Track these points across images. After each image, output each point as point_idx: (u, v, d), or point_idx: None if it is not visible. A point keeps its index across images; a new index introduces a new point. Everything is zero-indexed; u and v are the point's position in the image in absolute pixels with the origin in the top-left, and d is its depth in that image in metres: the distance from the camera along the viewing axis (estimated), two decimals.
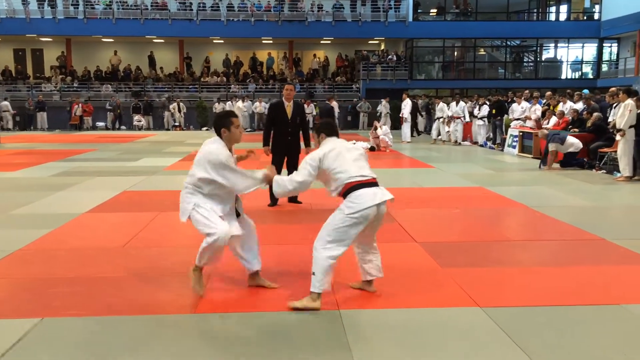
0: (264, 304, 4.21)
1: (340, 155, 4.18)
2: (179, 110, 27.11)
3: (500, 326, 3.74)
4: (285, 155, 7.72)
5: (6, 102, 26.15)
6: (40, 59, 31.62)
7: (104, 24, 28.94)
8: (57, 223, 6.72)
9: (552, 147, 12.14)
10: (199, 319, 3.91)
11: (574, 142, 11.98)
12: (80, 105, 26.86)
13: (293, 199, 7.89)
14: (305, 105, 26.83)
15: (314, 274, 3.99)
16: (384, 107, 23.52)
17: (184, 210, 4.41)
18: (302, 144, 7.97)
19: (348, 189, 4.08)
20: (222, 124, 4.31)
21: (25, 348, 3.45)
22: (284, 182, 4.21)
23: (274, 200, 7.69)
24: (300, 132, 7.90)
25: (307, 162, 4.16)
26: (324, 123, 4.56)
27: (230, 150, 4.30)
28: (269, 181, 4.24)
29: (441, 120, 19.40)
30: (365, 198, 4.05)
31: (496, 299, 4.26)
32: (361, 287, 4.45)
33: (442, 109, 19.38)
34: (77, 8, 28.81)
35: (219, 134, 4.33)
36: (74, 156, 14.69)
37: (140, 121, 27.07)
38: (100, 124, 27.50)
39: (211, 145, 4.26)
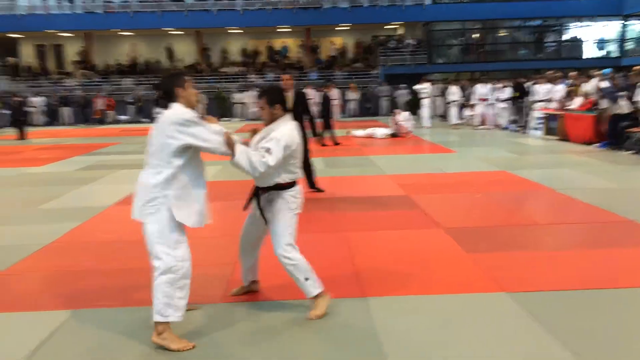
0: (291, 292, 4.25)
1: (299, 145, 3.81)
2: (199, 102, 27.28)
3: (528, 311, 3.73)
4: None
5: (36, 99, 26.54)
6: (61, 54, 32.02)
7: (122, 17, 29.14)
8: (85, 216, 6.85)
9: (604, 104, 11.86)
10: (227, 309, 3.97)
11: (624, 105, 11.66)
12: (102, 99, 27.16)
13: (315, 187, 7.91)
14: (327, 91, 26.76)
15: (307, 279, 3.71)
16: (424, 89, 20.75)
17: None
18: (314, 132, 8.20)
19: (293, 183, 3.79)
20: (176, 83, 3.55)
21: (59, 339, 3.55)
22: (248, 155, 3.55)
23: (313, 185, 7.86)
24: (307, 121, 7.81)
25: (281, 147, 3.60)
26: (276, 90, 3.90)
27: None
28: (230, 144, 3.48)
29: (455, 103, 19.21)
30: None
31: (523, 284, 4.25)
32: (248, 289, 4.20)
33: (455, 93, 19.22)
34: (95, 2, 29.06)
35: (171, 98, 3.53)
36: (98, 150, 14.90)
37: (160, 113, 27.26)
38: (123, 117, 27.79)
39: (168, 111, 3.48)
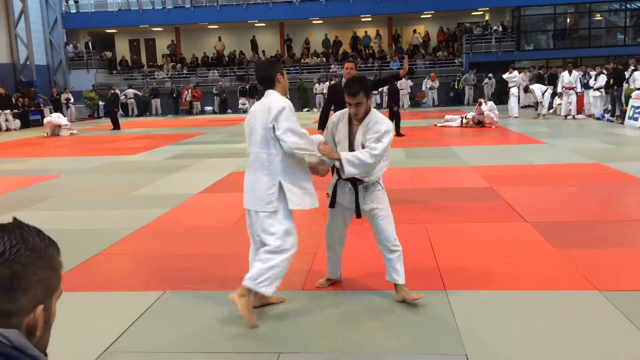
0: (370, 282, 4.24)
1: None
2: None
3: (622, 311, 3.52)
4: None
5: (132, 90, 28.06)
6: (153, 48, 33.58)
7: (209, 11, 30.12)
8: (173, 203, 7.17)
9: None
10: (308, 296, 4.02)
11: None
12: (189, 90, 28.25)
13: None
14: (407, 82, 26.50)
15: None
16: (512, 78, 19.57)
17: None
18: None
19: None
20: (277, 69, 3.62)
21: (150, 318, 3.74)
22: (354, 155, 3.56)
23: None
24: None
25: (390, 137, 3.63)
26: (367, 81, 3.78)
27: None
28: (330, 154, 3.61)
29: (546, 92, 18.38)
30: None
31: (616, 282, 4.01)
32: (333, 281, 4.19)
33: (536, 93, 18.38)
34: None
35: (271, 84, 3.60)
36: (185, 140, 15.53)
37: (244, 104, 28.00)
38: (209, 108, 28.78)
39: (270, 100, 3.55)
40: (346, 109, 3.78)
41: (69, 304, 4.02)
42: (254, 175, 3.58)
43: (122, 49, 33.40)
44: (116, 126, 19.95)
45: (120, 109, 24.58)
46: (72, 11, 30.52)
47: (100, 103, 27.42)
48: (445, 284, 4.09)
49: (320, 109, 7.13)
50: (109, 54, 32.46)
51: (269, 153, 3.51)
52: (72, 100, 25.36)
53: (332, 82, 7.62)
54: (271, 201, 3.51)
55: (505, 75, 19.27)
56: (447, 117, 16.73)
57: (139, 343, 3.39)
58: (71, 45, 30.48)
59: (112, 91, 21.01)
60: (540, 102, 18.42)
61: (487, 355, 3.08)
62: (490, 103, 16.27)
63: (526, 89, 20.91)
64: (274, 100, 3.51)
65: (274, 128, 3.45)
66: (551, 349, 3.12)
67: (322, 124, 6.76)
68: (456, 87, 26.74)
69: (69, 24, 30.10)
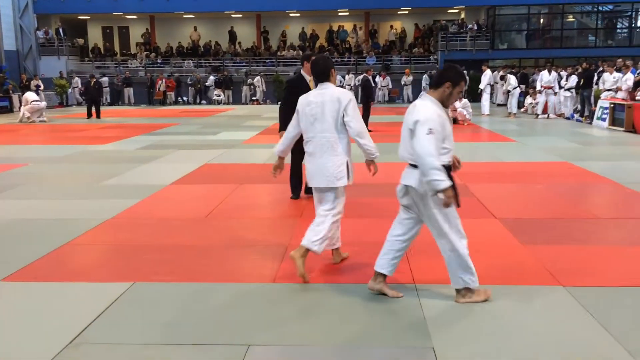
0: (341, 276, 4.27)
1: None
2: (263, 84, 27.55)
3: (585, 306, 3.61)
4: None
5: (103, 79, 27.60)
6: (127, 36, 33.04)
7: (185, 0, 29.72)
8: (144, 194, 7.09)
9: None
10: (279, 288, 4.03)
11: None
12: (163, 80, 27.89)
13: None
14: (381, 78, 26.65)
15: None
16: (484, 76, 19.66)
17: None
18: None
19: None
20: (331, 65, 4.22)
21: (118, 309, 3.70)
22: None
23: (297, 193, 6.79)
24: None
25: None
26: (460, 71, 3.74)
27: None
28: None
29: (508, 92, 18.63)
30: None
31: (581, 279, 4.11)
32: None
33: (511, 81, 18.60)
34: None
35: (328, 78, 4.17)
36: (158, 130, 15.35)
37: (219, 95, 27.79)
38: (183, 98, 28.48)
39: (336, 90, 4.12)
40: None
41: (35, 294, 3.97)
42: (322, 158, 4.12)
43: (94, 36, 32.77)
44: (98, 115, 19.50)
45: (103, 97, 24.19)
46: None
47: (69, 91, 26.92)
48: (415, 279, 4.15)
49: (281, 107, 6.30)
50: (81, 40, 31.82)
51: (339, 137, 4.10)
52: (42, 87, 24.79)
53: (290, 77, 6.57)
54: (342, 177, 4.14)
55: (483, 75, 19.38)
56: None
57: (106, 334, 3.35)
58: (42, 30, 29.78)
59: (95, 79, 20.54)
60: (510, 92, 18.65)
61: (453, 348, 3.13)
62: (465, 100, 16.44)
63: (502, 77, 21.27)
64: (340, 92, 4.13)
65: (343, 115, 4.03)
66: (515, 342, 3.19)
67: (284, 124, 5.67)
68: None
69: (40, 9, 29.42)
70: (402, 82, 26.87)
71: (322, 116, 4.09)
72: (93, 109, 19.76)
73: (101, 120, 18.69)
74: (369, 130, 14.85)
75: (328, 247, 4.28)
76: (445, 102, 3.62)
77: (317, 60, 4.33)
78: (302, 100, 4.24)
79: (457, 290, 3.74)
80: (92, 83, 20.04)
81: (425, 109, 3.54)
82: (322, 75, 4.19)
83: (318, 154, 4.14)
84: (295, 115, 4.35)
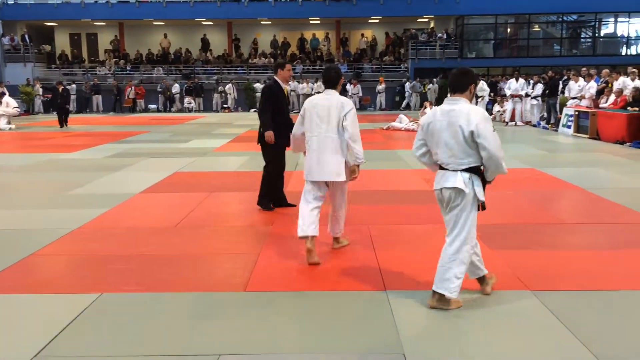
0: (312, 284, 4.27)
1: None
2: (234, 92, 27.40)
3: (552, 310, 3.68)
4: (285, 147, 6.32)
5: (71, 86, 27.11)
6: (95, 43, 32.57)
7: (155, 7, 29.51)
8: (112, 203, 6.97)
9: None
10: (250, 297, 4.00)
11: None
12: (133, 88, 27.55)
13: (287, 204, 6.72)
14: (352, 86, 26.82)
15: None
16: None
17: None
18: None
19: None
20: (341, 75, 4.86)
21: (85, 321, 3.62)
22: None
23: (267, 204, 6.65)
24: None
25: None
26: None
27: None
28: None
29: (479, 99, 18.95)
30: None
31: (548, 283, 4.18)
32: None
33: (482, 88, 18.91)
34: None
35: (335, 86, 4.75)
36: (127, 138, 15.14)
37: (190, 103, 27.57)
38: (152, 106, 28.16)
39: (340, 97, 4.70)
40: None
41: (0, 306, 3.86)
42: (325, 155, 4.63)
43: (62, 42, 32.23)
44: (65, 123, 18.80)
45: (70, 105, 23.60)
46: (9, 2, 29.23)
47: (37, 98, 26.37)
48: (386, 284, 4.16)
49: (262, 112, 6.37)
50: (47, 47, 31.25)
51: (340, 138, 4.62)
52: (7, 94, 24.20)
53: (267, 82, 6.86)
54: (340, 173, 4.67)
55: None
56: (402, 116, 17.22)
57: (74, 347, 3.27)
58: (7, 37, 29.15)
59: (63, 86, 20.00)
60: (481, 97, 18.95)
61: (424, 354, 3.15)
62: (435, 108, 16.66)
63: None
64: (345, 100, 4.71)
65: (344, 119, 4.57)
66: (485, 346, 3.23)
67: (270, 124, 6.23)
68: (424, 90, 26.99)
69: (5, 15, 28.84)
70: (377, 90, 27.06)
71: (328, 118, 4.62)
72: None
73: (68, 128, 18.32)
74: None
75: (310, 232, 4.63)
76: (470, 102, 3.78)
77: (330, 69, 4.90)
78: (309, 103, 4.78)
79: (436, 294, 3.70)
80: (61, 90, 19.56)
81: (477, 112, 3.63)
82: (331, 83, 4.76)
83: (321, 150, 4.63)
84: (299, 116, 4.87)
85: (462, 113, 3.58)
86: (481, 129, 3.52)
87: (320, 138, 4.64)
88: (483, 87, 19.26)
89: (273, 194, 6.66)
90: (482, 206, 3.68)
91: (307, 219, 4.62)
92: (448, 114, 3.64)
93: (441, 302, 3.69)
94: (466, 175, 3.60)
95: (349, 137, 4.57)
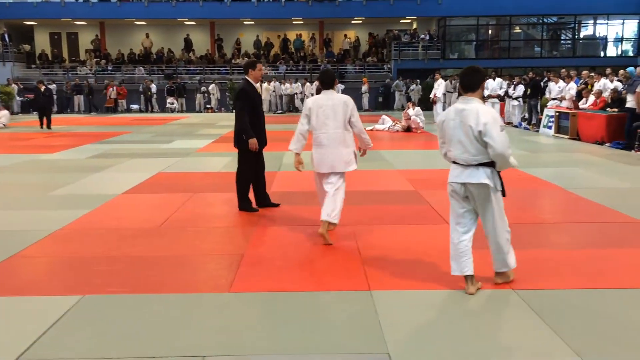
0: (297, 284, 4.27)
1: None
2: (217, 92, 27.24)
3: (533, 308, 3.73)
4: (262, 146, 6.41)
5: (51, 86, 26.73)
6: (75, 42, 32.20)
7: (136, 6, 29.27)
8: (94, 204, 6.91)
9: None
10: (234, 298, 4.00)
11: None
12: (114, 88, 27.29)
13: (271, 204, 6.70)
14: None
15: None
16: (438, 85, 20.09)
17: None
18: None
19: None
20: (335, 77, 5.41)
21: (68, 324, 3.59)
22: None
23: (248, 207, 6.56)
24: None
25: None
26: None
27: None
28: None
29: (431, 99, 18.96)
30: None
31: (529, 282, 4.23)
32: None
33: (440, 85, 18.88)
34: None
35: (331, 87, 5.31)
36: (109, 139, 15.00)
37: (173, 103, 27.39)
38: (134, 106, 27.92)
39: (341, 95, 5.38)
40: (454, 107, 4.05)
41: None
42: (336, 149, 5.23)
43: (42, 42, 31.80)
44: (48, 124, 18.09)
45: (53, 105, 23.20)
46: None
47: (18, 98, 25.99)
48: (370, 284, 4.18)
49: (240, 117, 6.24)
50: (27, 47, 30.82)
51: (347, 133, 5.27)
52: None
53: (240, 84, 6.60)
54: (351, 163, 5.34)
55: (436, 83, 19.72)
56: (384, 117, 17.29)
57: (56, 350, 3.24)
58: None
59: (45, 86, 19.26)
60: None
61: (409, 354, 3.17)
62: (417, 108, 16.74)
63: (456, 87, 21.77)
64: (346, 97, 5.32)
65: (351, 116, 5.21)
66: (469, 347, 3.26)
67: (251, 133, 6.19)
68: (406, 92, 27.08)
69: None
70: (362, 91, 27.06)
71: (335, 115, 5.19)
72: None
73: (52, 129, 18.03)
74: None
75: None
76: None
77: (327, 72, 5.47)
78: (313, 103, 5.29)
79: (498, 273, 4.14)
80: (43, 90, 18.92)
81: (486, 112, 3.85)
82: (329, 85, 5.34)
83: (332, 145, 5.21)
84: (304, 116, 5.35)
85: (472, 113, 3.82)
86: (488, 129, 3.76)
87: (328, 134, 5.21)
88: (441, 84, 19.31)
89: (257, 195, 6.64)
90: (503, 193, 4.06)
91: (324, 208, 5.26)
92: (460, 113, 3.88)
93: (502, 277, 4.14)
94: (488, 170, 3.90)
95: (359, 131, 5.32)
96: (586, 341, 3.28)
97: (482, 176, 3.88)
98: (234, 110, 6.75)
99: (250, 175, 6.49)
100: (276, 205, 6.62)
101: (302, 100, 26.05)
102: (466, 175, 3.91)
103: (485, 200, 3.98)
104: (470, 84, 3.92)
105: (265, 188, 6.72)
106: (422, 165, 10.15)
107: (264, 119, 6.55)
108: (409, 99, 23.95)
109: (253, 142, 6.18)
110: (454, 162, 3.98)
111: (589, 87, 14.94)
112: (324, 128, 5.20)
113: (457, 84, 21.93)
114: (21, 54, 30.07)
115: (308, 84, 26.42)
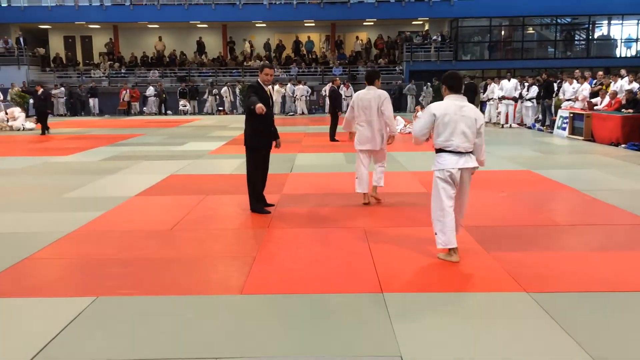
0: (309, 286, 4.26)
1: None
2: (230, 94, 27.31)
3: (548, 311, 3.69)
4: (269, 148, 6.66)
5: (62, 89, 26.99)
6: (89, 45, 32.47)
7: (149, 10, 29.45)
8: (108, 206, 6.95)
9: None
10: (246, 300, 4.00)
11: None
12: (127, 90, 27.48)
13: (267, 205, 6.77)
14: (345, 88, 26.79)
15: (436, 234, 4.74)
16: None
17: None
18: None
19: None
20: (378, 75, 6.86)
21: (81, 325, 3.61)
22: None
23: (260, 208, 6.65)
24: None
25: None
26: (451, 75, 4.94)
27: None
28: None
29: (490, 102, 18.93)
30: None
31: (543, 284, 4.19)
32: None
33: (494, 91, 18.88)
34: None
35: (373, 83, 6.80)
36: (122, 141, 15.10)
37: (185, 106, 27.52)
38: (146, 109, 28.07)
39: (378, 90, 6.75)
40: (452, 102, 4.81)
41: None
42: (372, 133, 6.75)
43: (56, 45, 32.11)
44: (44, 130, 17.31)
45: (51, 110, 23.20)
46: (2, 5, 29.12)
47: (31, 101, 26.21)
48: (383, 287, 4.16)
49: (247, 99, 6.38)
50: (42, 50, 31.14)
51: (380, 120, 6.71)
52: (1, 97, 24.12)
53: (251, 83, 6.57)
54: (382, 143, 6.82)
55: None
56: (398, 118, 17.24)
57: (69, 351, 3.26)
58: (1, 40, 29.04)
59: (42, 89, 18.93)
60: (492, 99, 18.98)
61: (421, 357, 3.15)
62: (444, 103, 16.65)
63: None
64: (381, 92, 6.75)
65: (382, 105, 6.66)
66: (482, 350, 3.23)
67: (256, 101, 6.19)
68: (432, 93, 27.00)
69: None
70: None
71: (370, 107, 6.69)
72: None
73: (62, 131, 18.14)
74: (336, 140, 15.08)
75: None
76: None
77: (368, 72, 6.97)
78: (357, 97, 6.82)
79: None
80: (40, 93, 17.94)
81: (478, 111, 4.82)
82: (370, 81, 6.81)
83: (369, 129, 6.73)
84: (350, 107, 6.97)
85: (472, 110, 4.68)
86: (482, 125, 4.72)
87: (367, 121, 6.72)
88: (494, 89, 19.23)
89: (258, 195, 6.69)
90: None
91: (364, 180, 6.83)
92: (461, 109, 4.62)
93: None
94: (473, 156, 4.72)
95: (387, 118, 6.69)
96: (603, 346, 3.23)
97: (474, 161, 4.71)
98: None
99: (258, 175, 6.54)
100: (270, 205, 6.72)
101: (294, 101, 26.16)
102: (463, 161, 4.64)
103: (468, 180, 4.75)
104: (458, 86, 4.77)
105: (263, 189, 6.73)
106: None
107: (273, 119, 6.67)
108: (418, 102, 23.86)
109: (260, 107, 6.04)
110: (449, 151, 4.64)
111: (604, 87, 14.78)
112: (364, 116, 6.70)
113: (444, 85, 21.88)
114: (36, 58, 30.38)
115: (301, 85, 26.30)
